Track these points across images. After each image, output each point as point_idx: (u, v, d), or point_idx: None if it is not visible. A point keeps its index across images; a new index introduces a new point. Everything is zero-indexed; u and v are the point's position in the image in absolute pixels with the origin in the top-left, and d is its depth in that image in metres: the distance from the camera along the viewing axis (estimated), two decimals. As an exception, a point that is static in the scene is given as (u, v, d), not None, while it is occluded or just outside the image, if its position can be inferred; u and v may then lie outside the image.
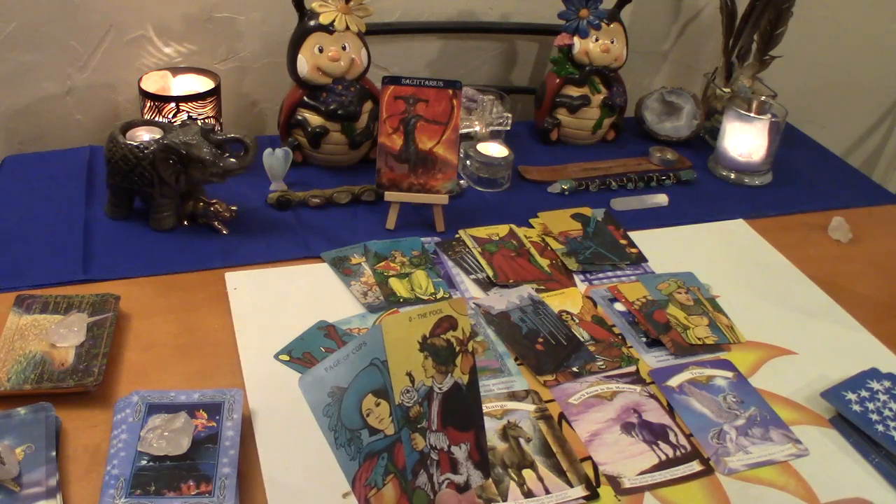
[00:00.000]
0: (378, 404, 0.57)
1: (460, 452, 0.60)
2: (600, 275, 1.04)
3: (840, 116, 1.79)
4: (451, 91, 1.05)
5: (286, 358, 0.86)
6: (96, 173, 1.14)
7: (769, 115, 1.26)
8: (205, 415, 0.75)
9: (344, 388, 0.57)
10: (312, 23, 1.13)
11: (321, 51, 1.13)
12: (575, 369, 0.88)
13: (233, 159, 1.00)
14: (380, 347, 0.57)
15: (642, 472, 0.77)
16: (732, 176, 1.29)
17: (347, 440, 0.57)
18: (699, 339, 0.94)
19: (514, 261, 1.04)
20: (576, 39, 1.29)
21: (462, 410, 0.60)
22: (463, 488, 0.61)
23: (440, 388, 0.59)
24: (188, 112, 1.16)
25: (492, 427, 0.79)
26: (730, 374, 0.90)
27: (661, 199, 1.22)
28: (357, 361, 0.57)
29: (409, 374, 0.58)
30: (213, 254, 1.01)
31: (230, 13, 1.26)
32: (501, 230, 1.10)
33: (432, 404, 0.59)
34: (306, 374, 0.57)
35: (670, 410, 0.84)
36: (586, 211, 1.16)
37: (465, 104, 1.26)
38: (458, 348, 0.59)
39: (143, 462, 0.70)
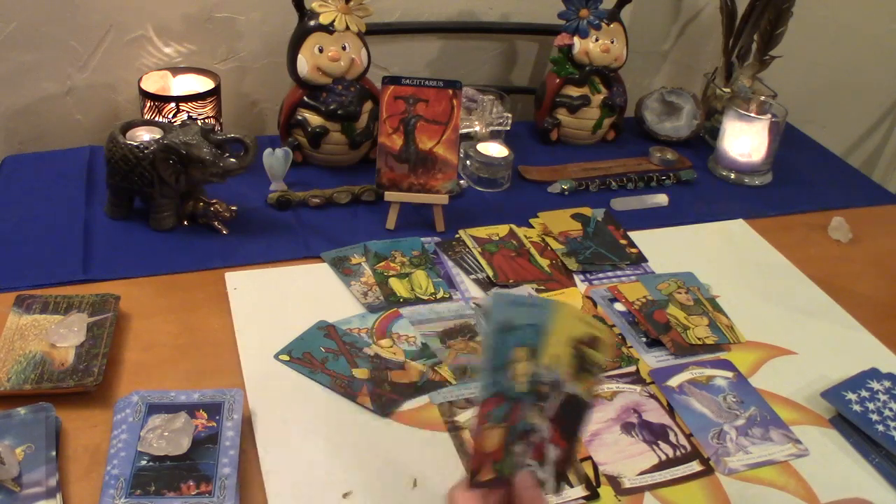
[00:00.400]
0: (525, 360, 0.60)
1: (552, 453, 0.62)
2: (600, 275, 1.04)
3: (840, 116, 1.79)
4: (451, 91, 1.05)
5: (286, 358, 0.86)
6: (96, 173, 1.14)
7: (769, 115, 1.26)
8: (205, 415, 0.75)
9: (513, 327, 0.59)
10: (312, 23, 1.13)
11: (321, 51, 1.13)
12: (575, 369, 0.88)
13: (233, 159, 1.00)
14: (550, 319, 0.60)
15: (642, 472, 0.77)
16: (732, 176, 1.29)
17: (495, 367, 0.59)
18: (699, 339, 0.94)
19: (514, 261, 1.04)
20: (576, 39, 1.29)
21: (570, 420, 0.63)
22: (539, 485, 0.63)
23: (566, 388, 0.62)
24: (188, 112, 1.16)
25: (492, 427, 0.80)
26: (730, 374, 0.90)
27: (661, 199, 1.22)
28: (532, 315, 0.60)
29: (554, 357, 0.61)
30: (213, 254, 1.01)
31: (230, 13, 1.26)
32: (501, 230, 1.10)
33: (556, 395, 0.62)
34: (501, 294, 0.60)
35: (670, 410, 0.84)
36: (586, 211, 1.16)
37: (465, 104, 1.26)
38: (593, 369, 0.63)
39: (143, 462, 0.70)
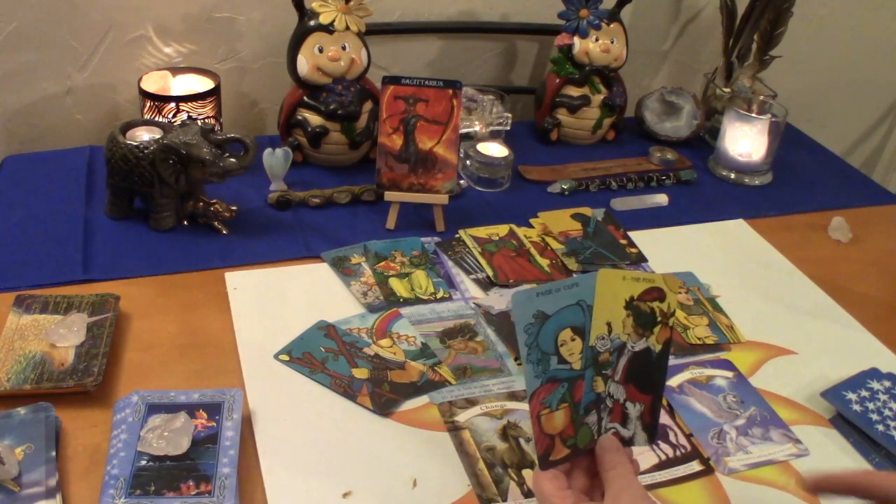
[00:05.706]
0: (573, 339, 0.61)
1: (633, 410, 0.64)
2: (600, 275, 1.04)
3: (840, 116, 1.79)
4: (451, 91, 1.05)
5: (286, 358, 0.86)
6: (96, 173, 1.14)
7: (769, 115, 1.26)
8: (204, 415, 0.75)
9: (547, 315, 0.60)
10: (312, 23, 1.13)
11: (321, 51, 1.13)
12: (575, 369, 0.88)
13: (233, 159, 1.00)
14: (590, 293, 0.61)
15: (642, 472, 0.77)
16: (732, 176, 1.29)
17: (538, 359, 0.61)
18: (699, 339, 0.94)
19: (514, 261, 1.04)
20: (576, 39, 1.29)
21: (646, 374, 0.64)
22: (626, 442, 0.64)
23: (632, 347, 0.63)
24: (188, 112, 1.16)
25: (492, 427, 0.80)
26: (730, 374, 0.90)
27: (661, 199, 1.22)
28: (566, 297, 0.61)
29: (609, 325, 0.62)
30: (213, 254, 1.01)
31: (230, 13, 1.26)
32: (501, 230, 1.10)
33: (621, 358, 0.63)
34: (521, 292, 0.61)
35: (670, 410, 0.84)
36: (586, 211, 1.16)
37: (465, 104, 1.26)
38: (659, 318, 0.64)
39: (143, 462, 0.70)
